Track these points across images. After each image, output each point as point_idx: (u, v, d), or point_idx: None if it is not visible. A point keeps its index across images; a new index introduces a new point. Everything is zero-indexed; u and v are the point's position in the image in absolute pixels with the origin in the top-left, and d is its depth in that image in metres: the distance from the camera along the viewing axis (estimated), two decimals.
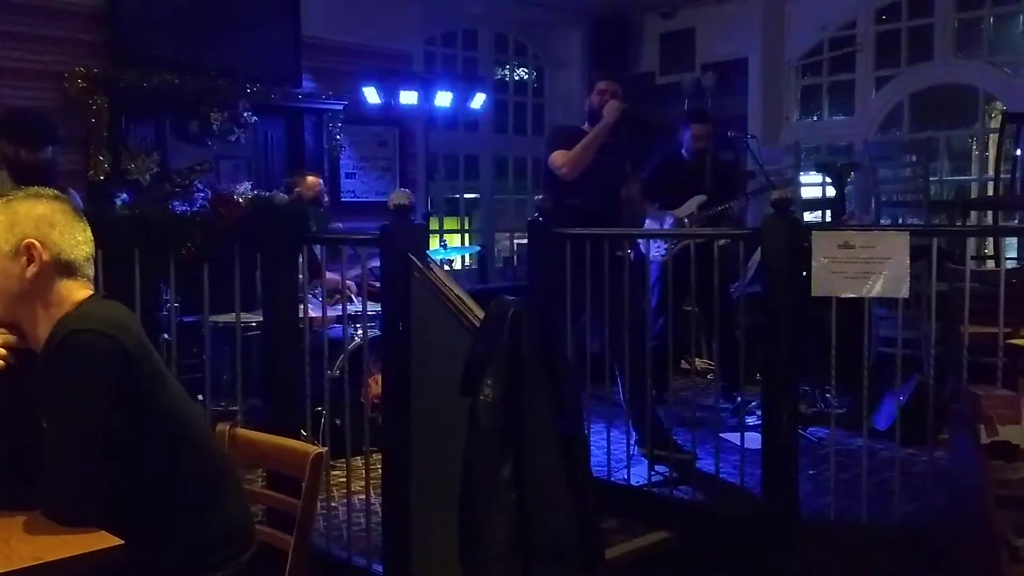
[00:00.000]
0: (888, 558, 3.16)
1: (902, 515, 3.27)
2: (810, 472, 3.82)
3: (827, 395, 4.53)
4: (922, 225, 5.70)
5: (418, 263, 2.73)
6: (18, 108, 4.63)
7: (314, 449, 2.05)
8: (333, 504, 3.33)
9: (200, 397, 3.45)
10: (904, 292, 3.09)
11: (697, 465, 3.82)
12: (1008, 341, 3.18)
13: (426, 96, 6.72)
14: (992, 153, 6.59)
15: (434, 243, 6.60)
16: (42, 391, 1.75)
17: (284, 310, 3.18)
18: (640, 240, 4.66)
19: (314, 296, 4.16)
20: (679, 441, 3.96)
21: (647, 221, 5.06)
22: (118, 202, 3.13)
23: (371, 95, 6.65)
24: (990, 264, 6.20)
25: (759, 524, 3.26)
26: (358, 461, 3.45)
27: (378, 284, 3.29)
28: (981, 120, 6.92)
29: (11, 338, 1.84)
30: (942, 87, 6.93)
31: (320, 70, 6.57)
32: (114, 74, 5.46)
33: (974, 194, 6.98)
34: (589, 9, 8.08)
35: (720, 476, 3.64)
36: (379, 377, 3.19)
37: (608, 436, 3.88)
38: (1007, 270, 3.79)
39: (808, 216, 6.75)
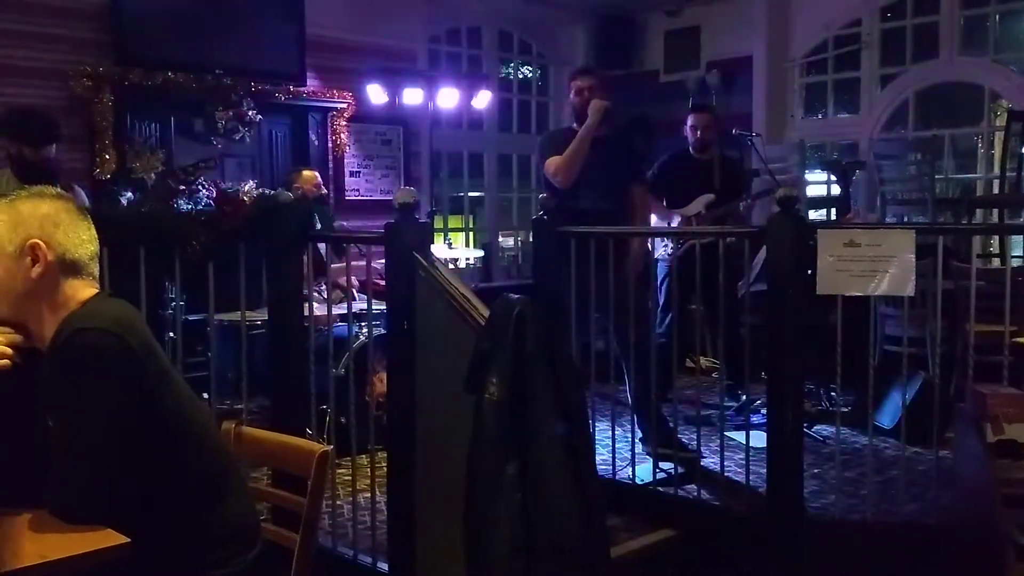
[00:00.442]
0: (893, 557, 3.16)
1: (907, 514, 3.26)
2: (815, 470, 3.82)
3: (832, 393, 4.53)
4: (927, 223, 5.68)
5: (423, 261, 2.73)
6: (21, 107, 4.64)
7: (319, 447, 2.05)
8: (338, 502, 3.34)
9: (205, 395, 3.46)
10: (909, 290, 3.08)
11: (702, 463, 3.82)
12: (1014, 339, 3.17)
13: (430, 94, 6.72)
14: (998, 151, 6.57)
15: (439, 241, 6.60)
16: (48, 390, 1.75)
17: (289, 308, 3.19)
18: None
19: (319, 293, 4.17)
20: (684, 440, 3.95)
21: (653, 219, 5.05)
22: (123, 200, 3.13)
23: (375, 93, 6.66)
24: (996, 262, 6.19)
25: (764, 522, 3.25)
26: (363, 459, 3.46)
27: (383, 282, 3.28)
28: (987, 118, 6.90)
29: (16, 337, 1.84)
30: (947, 85, 6.92)
31: (325, 68, 6.57)
32: (119, 72, 5.48)
33: (979, 192, 6.97)
34: (594, 7, 8.07)
35: (725, 474, 3.63)
36: (384, 375, 3.19)
37: (613, 434, 3.88)
38: (1013, 268, 3.79)
39: (813, 214, 6.74)
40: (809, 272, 3.19)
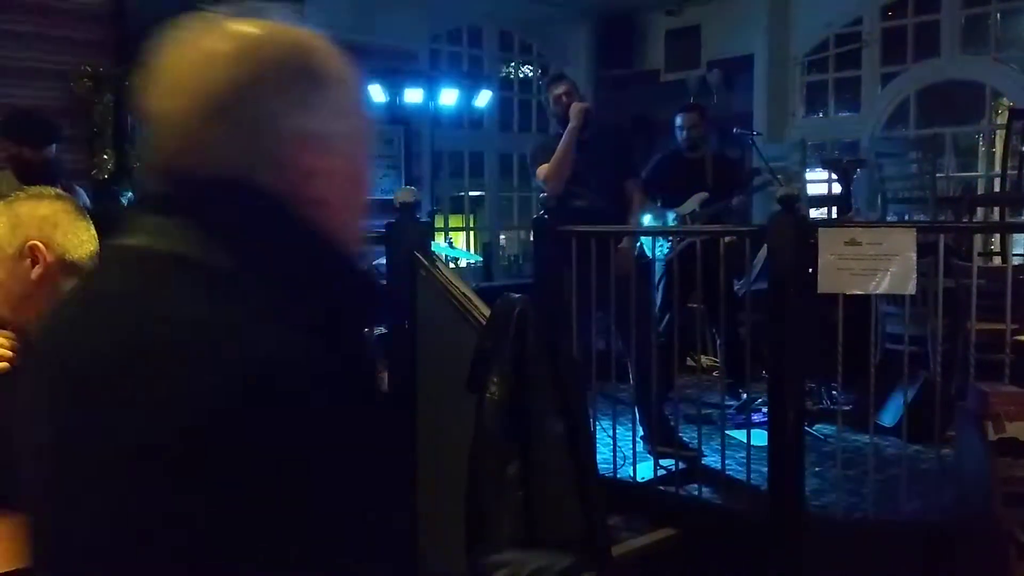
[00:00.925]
0: (894, 555, 3.16)
1: (908, 512, 3.26)
2: (816, 469, 3.81)
3: (833, 392, 4.52)
4: (929, 222, 5.68)
5: (424, 261, 2.73)
6: (21, 108, 4.65)
7: None
8: None
9: None
10: (911, 289, 3.08)
11: (703, 462, 3.82)
12: (1015, 337, 3.17)
13: (431, 94, 6.72)
14: (999, 149, 6.57)
15: (439, 240, 6.60)
16: None
17: None
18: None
19: None
20: (685, 438, 3.95)
21: (648, 219, 5.05)
22: (124, 200, 3.13)
23: (376, 93, 6.65)
24: (997, 260, 6.18)
25: (765, 521, 3.25)
26: None
27: (384, 281, 3.29)
28: (988, 116, 6.90)
29: (16, 340, 1.85)
30: (949, 83, 6.91)
31: None
32: (120, 73, 5.48)
33: (981, 190, 6.96)
34: (594, 6, 8.07)
35: (726, 473, 3.63)
36: (385, 374, 3.19)
37: (614, 433, 3.88)
38: (1014, 266, 3.78)
39: (814, 213, 6.73)
40: (810, 271, 3.19)
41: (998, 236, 6.24)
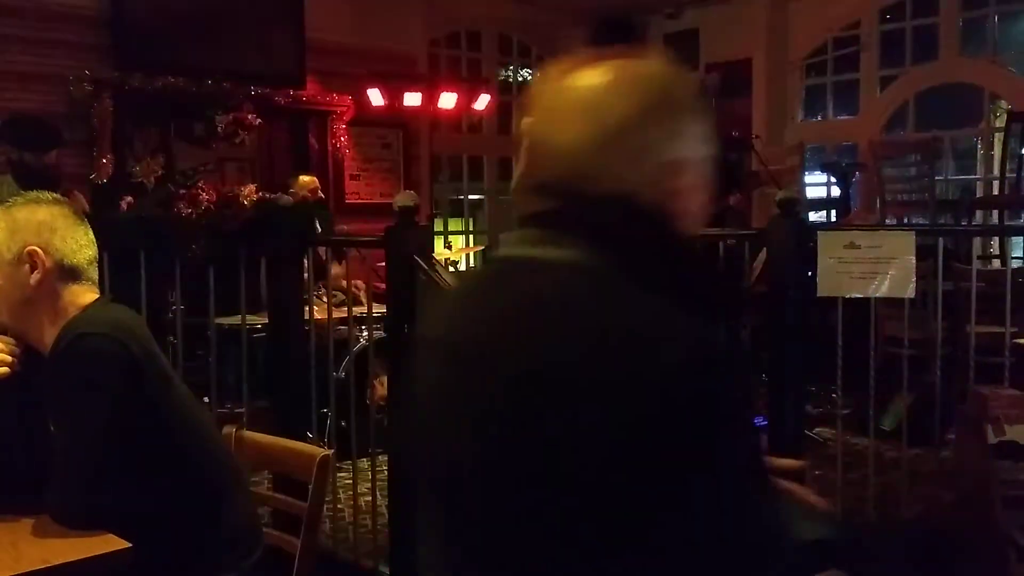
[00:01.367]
0: (895, 559, 3.15)
1: (908, 515, 3.25)
2: (816, 472, 3.81)
3: (833, 395, 4.52)
4: (927, 225, 5.68)
5: (423, 265, 2.73)
6: (22, 113, 4.65)
7: (320, 451, 2.05)
8: (339, 506, 3.34)
9: (206, 399, 3.46)
10: (910, 292, 3.08)
11: None
12: (1015, 340, 3.17)
13: (430, 97, 6.72)
14: (997, 152, 6.57)
15: (439, 245, 6.60)
16: (49, 395, 1.75)
17: (290, 312, 3.19)
18: None
19: (319, 297, 4.17)
20: None
21: None
22: (123, 205, 3.14)
23: (375, 97, 6.66)
24: (996, 263, 6.18)
25: None
26: (364, 463, 3.45)
27: (384, 286, 3.29)
28: (986, 119, 6.90)
29: (16, 345, 1.85)
30: (947, 86, 6.92)
31: (324, 72, 6.58)
32: (119, 78, 5.48)
33: (979, 193, 6.96)
34: (593, 10, 8.08)
35: None
36: (385, 379, 3.19)
37: None
38: (1013, 269, 3.78)
39: (813, 216, 6.74)
40: (809, 274, 3.19)
41: (997, 239, 6.25)
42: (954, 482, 3.08)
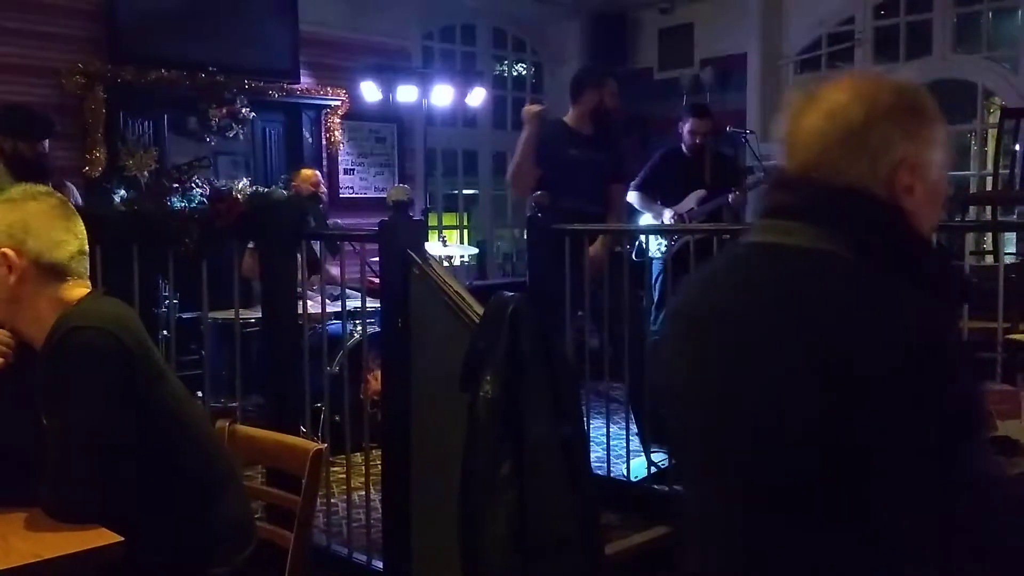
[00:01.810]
0: None
1: None
2: None
3: None
4: None
5: (417, 259, 2.73)
6: (13, 103, 4.64)
7: (314, 445, 2.05)
8: (333, 500, 3.34)
9: (199, 394, 3.45)
10: None
11: None
12: (1007, 336, 3.18)
13: (424, 92, 6.71)
14: (991, 148, 6.59)
15: (433, 239, 6.60)
16: (42, 388, 1.75)
17: (283, 306, 3.18)
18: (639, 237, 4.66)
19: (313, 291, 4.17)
20: None
21: (648, 218, 5.05)
22: (116, 198, 3.12)
23: (369, 91, 6.64)
24: (989, 259, 6.20)
25: None
26: (358, 457, 3.45)
27: (378, 280, 3.28)
28: (980, 115, 6.91)
29: (9, 338, 1.84)
30: (941, 82, 6.92)
31: (318, 66, 6.56)
32: (112, 70, 5.46)
33: (973, 189, 6.98)
34: (588, 4, 8.07)
35: None
36: (379, 373, 3.19)
37: (607, 432, 3.88)
38: (1006, 265, 3.79)
39: None
40: None
41: (990, 235, 6.26)
42: None
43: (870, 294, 1.02)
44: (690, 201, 5.01)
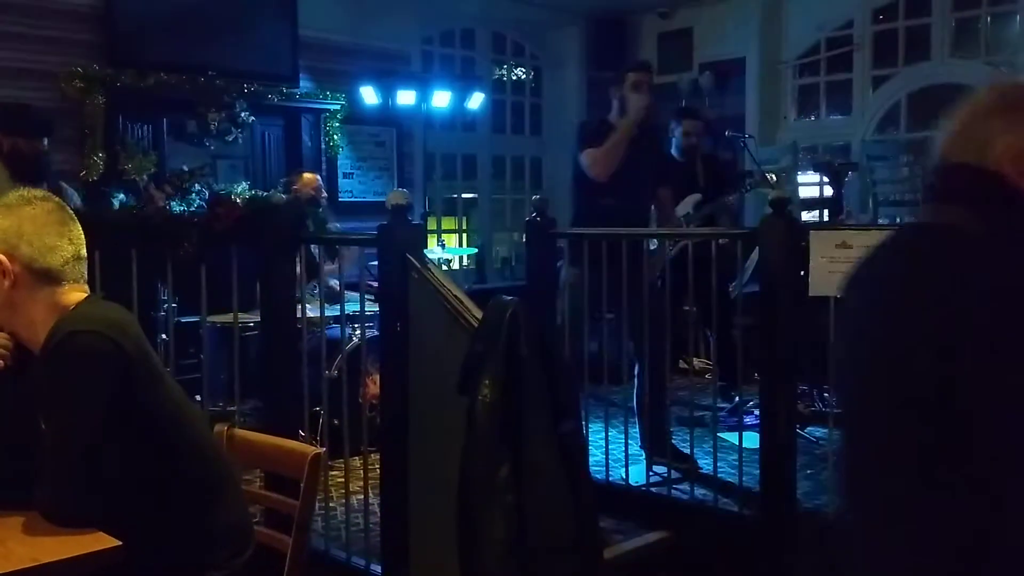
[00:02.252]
0: None
1: None
2: (808, 471, 3.82)
3: (825, 394, 4.54)
4: None
5: (416, 263, 2.73)
6: (11, 101, 4.64)
7: (312, 450, 2.05)
8: (331, 504, 3.33)
9: (198, 397, 3.45)
10: None
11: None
12: None
13: (424, 96, 6.72)
14: None
15: (432, 243, 6.60)
16: (40, 392, 1.75)
17: (282, 310, 3.18)
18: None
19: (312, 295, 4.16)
20: (676, 441, 3.96)
21: None
22: (115, 202, 3.12)
23: (369, 95, 6.65)
24: None
25: (757, 523, 3.26)
26: (356, 461, 3.45)
27: (376, 284, 3.28)
28: None
29: (8, 341, 1.84)
30: (939, 87, 6.93)
31: (318, 70, 6.56)
32: (111, 74, 5.46)
33: None
34: (587, 9, 8.08)
35: (718, 475, 3.64)
36: (377, 377, 3.19)
37: (606, 436, 3.88)
38: None
39: (806, 216, 6.75)
40: (802, 273, 3.20)
41: None
42: None
43: (993, 267, 1.12)
44: (686, 205, 5.02)
